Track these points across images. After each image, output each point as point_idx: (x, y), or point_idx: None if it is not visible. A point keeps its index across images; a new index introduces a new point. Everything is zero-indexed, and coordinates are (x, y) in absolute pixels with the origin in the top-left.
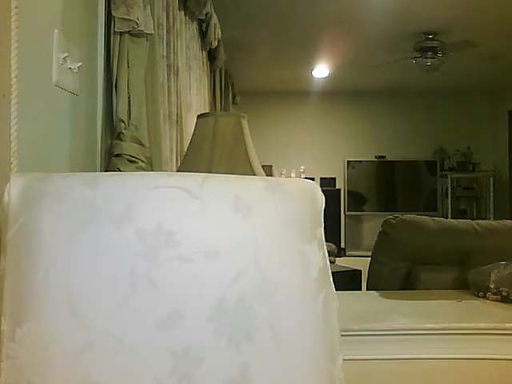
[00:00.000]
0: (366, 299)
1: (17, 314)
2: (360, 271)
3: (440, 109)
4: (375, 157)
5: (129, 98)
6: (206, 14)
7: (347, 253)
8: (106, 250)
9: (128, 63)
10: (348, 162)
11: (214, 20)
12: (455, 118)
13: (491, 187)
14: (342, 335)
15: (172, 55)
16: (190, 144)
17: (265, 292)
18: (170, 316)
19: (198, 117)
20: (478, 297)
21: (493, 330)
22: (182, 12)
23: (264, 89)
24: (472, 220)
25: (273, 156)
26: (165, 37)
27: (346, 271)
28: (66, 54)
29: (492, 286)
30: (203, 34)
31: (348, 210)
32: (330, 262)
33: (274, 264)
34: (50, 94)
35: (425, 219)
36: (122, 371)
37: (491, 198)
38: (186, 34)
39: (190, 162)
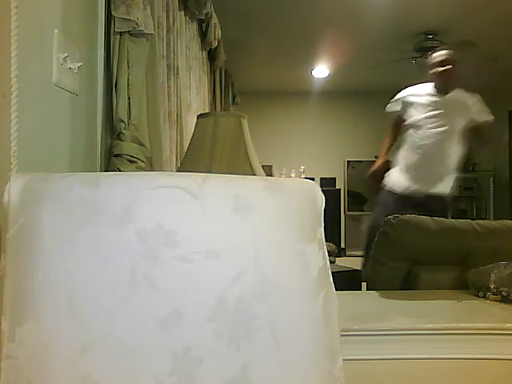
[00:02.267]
0: (365, 299)
1: (17, 314)
2: (360, 271)
3: None
4: (375, 157)
5: (129, 98)
6: (206, 14)
7: (347, 253)
8: (106, 249)
9: (128, 63)
10: (348, 161)
11: (214, 20)
12: None
13: (491, 187)
14: (342, 335)
15: (172, 55)
16: (190, 144)
17: (265, 292)
18: (169, 316)
19: (198, 117)
20: (478, 297)
21: (493, 330)
22: (182, 12)
23: (264, 89)
24: (472, 220)
25: (273, 156)
26: (165, 37)
27: (346, 271)
28: (66, 54)
29: (492, 286)
30: (203, 34)
31: (348, 210)
32: (330, 262)
33: (273, 264)
34: (50, 93)
35: (425, 219)
36: (122, 371)
37: (491, 198)
38: (186, 34)
39: (190, 162)
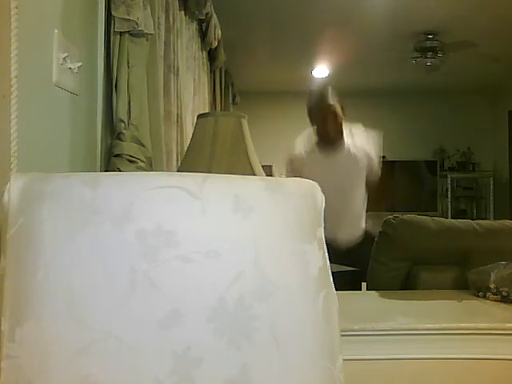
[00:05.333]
0: (365, 299)
1: (17, 314)
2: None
3: (440, 109)
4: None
5: (129, 97)
6: (206, 14)
7: None
8: (105, 250)
9: (128, 63)
10: None
11: (214, 20)
12: (455, 118)
13: (491, 187)
14: (342, 335)
15: (172, 55)
16: (190, 144)
17: (265, 292)
18: (170, 316)
19: (198, 117)
20: (478, 297)
21: (493, 330)
22: (182, 12)
23: (264, 89)
24: (472, 220)
25: (273, 156)
26: (165, 37)
27: (346, 271)
28: (66, 54)
29: (492, 285)
30: (203, 34)
31: None
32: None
33: (273, 264)
34: (50, 93)
35: (425, 219)
36: (121, 371)
37: (491, 198)
38: (186, 34)
39: (189, 162)
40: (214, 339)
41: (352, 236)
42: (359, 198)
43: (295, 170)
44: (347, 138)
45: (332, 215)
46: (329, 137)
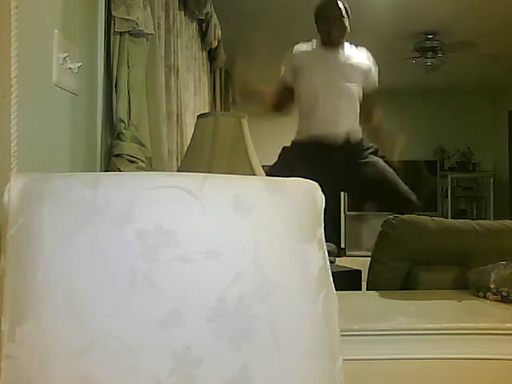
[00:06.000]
0: (366, 299)
1: (17, 314)
2: (360, 271)
3: (440, 109)
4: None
5: (129, 97)
6: (206, 14)
7: (347, 253)
8: (105, 250)
9: (128, 63)
10: None
11: (214, 20)
12: (455, 118)
13: (491, 187)
14: (342, 335)
15: (172, 55)
16: (189, 144)
17: (265, 292)
18: (170, 316)
19: (198, 117)
20: (478, 297)
21: (493, 330)
22: (182, 12)
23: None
24: (472, 220)
25: (273, 156)
26: (165, 37)
27: (346, 271)
28: (66, 54)
29: (492, 285)
30: (203, 34)
31: (348, 210)
32: (330, 262)
33: (274, 264)
34: (50, 93)
35: (425, 219)
36: (121, 371)
37: (491, 198)
38: (186, 34)
39: (189, 162)
40: (214, 339)
41: (348, 128)
42: (354, 99)
43: (292, 67)
44: (348, 49)
45: (330, 108)
46: (331, 41)
